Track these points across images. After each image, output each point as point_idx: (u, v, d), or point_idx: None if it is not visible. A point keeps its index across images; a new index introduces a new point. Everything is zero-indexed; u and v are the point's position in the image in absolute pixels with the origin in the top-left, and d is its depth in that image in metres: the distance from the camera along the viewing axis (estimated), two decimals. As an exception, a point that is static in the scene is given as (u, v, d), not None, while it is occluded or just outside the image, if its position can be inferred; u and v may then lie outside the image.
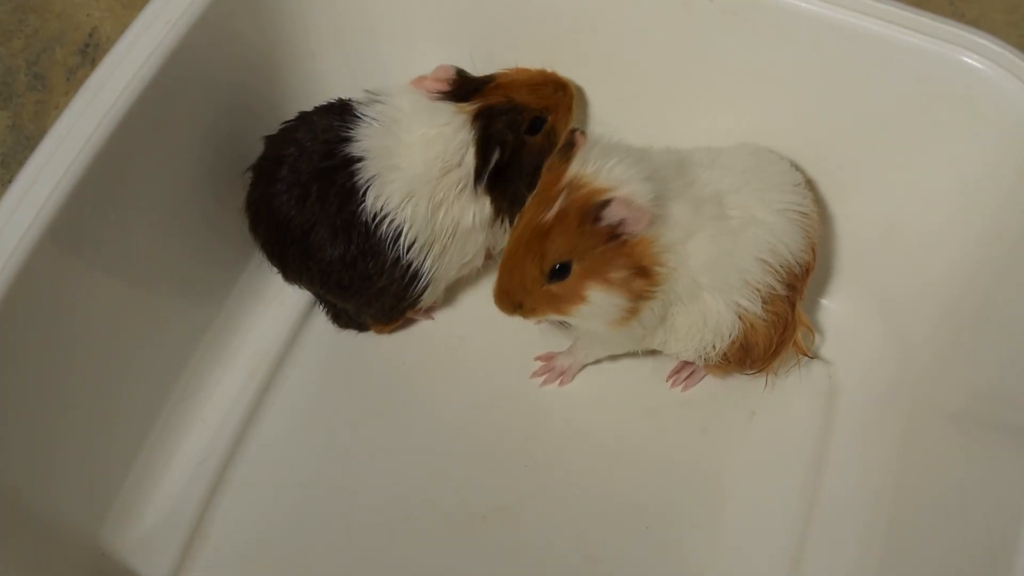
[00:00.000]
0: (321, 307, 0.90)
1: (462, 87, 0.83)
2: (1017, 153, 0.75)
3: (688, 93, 0.86)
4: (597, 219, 0.70)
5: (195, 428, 0.85)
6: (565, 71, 0.87)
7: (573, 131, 0.75)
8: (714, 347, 0.80)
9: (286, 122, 0.82)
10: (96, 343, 0.75)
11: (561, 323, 0.79)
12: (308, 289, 0.87)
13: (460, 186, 0.81)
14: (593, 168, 0.71)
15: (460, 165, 0.81)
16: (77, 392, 0.75)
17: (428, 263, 0.82)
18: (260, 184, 0.81)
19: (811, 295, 0.92)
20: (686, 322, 0.79)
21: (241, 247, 0.87)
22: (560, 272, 0.73)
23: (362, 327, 0.91)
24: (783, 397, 0.88)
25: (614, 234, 0.71)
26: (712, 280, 0.76)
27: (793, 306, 0.81)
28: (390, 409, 0.87)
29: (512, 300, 0.76)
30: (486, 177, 0.81)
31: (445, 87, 0.82)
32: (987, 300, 0.79)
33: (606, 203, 0.70)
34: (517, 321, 0.84)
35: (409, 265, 0.82)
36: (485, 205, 0.83)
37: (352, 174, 0.79)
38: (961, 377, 0.80)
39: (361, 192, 0.79)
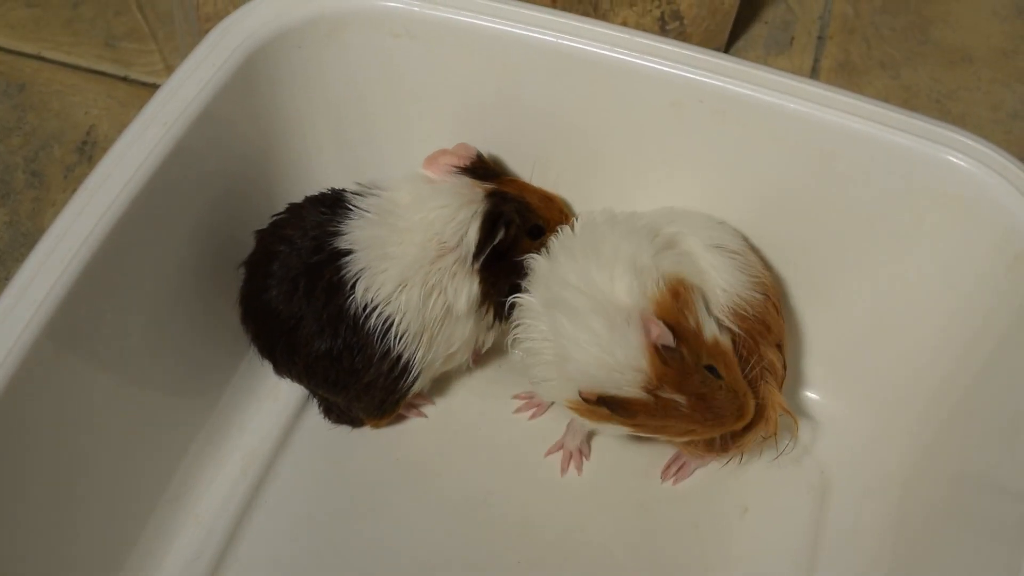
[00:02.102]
0: (314, 401, 0.90)
1: (479, 169, 0.84)
2: (1003, 250, 0.76)
3: (675, 190, 0.87)
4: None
5: (188, 525, 0.84)
6: (558, 168, 0.89)
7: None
8: None
9: (276, 215, 0.83)
10: (91, 442, 0.75)
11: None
12: (298, 383, 0.87)
13: (455, 268, 0.81)
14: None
15: (459, 245, 0.81)
16: (72, 491, 0.74)
17: (419, 354, 0.82)
18: (252, 279, 0.82)
19: (801, 389, 0.92)
20: None
21: (236, 344, 0.87)
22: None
23: (356, 422, 0.90)
24: (775, 493, 0.88)
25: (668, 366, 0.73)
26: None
27: (751, 361, 0.80)
28: (383, 506, 0.87)
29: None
30: (485, 253, 0.81)
31: (466, 163, 0.84)
32: (973, 392, 0.79)
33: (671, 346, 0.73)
34: (508, 418, 0.84)
35: (399, 357, 0.81)
36: (474, 285, 0.82)
37: (340, 268, 0.79)
38: (950, 470, 0.80)
39: (349, 285, 0.79)
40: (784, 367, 0.83)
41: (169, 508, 0.84)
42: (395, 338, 0.80)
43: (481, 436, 0.90)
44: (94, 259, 0.70)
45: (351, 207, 0.82)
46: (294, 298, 0.79)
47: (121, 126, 0.93)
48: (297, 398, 0.91)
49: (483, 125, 0.90)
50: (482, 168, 0.86)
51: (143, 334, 0.79)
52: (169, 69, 1.17)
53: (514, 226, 0.82)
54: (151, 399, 0.81)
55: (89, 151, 1.10)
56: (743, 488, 0.88)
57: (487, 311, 0.84)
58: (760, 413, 0.81)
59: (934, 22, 1.27)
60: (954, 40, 1.25)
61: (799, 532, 0.86)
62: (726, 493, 0.88)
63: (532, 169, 0.89)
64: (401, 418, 0.91)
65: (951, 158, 0.76)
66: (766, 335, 0.81)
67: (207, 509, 0.85)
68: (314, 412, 0.91)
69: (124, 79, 1.18)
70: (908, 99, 1.19)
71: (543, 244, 0.83)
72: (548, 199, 0.88)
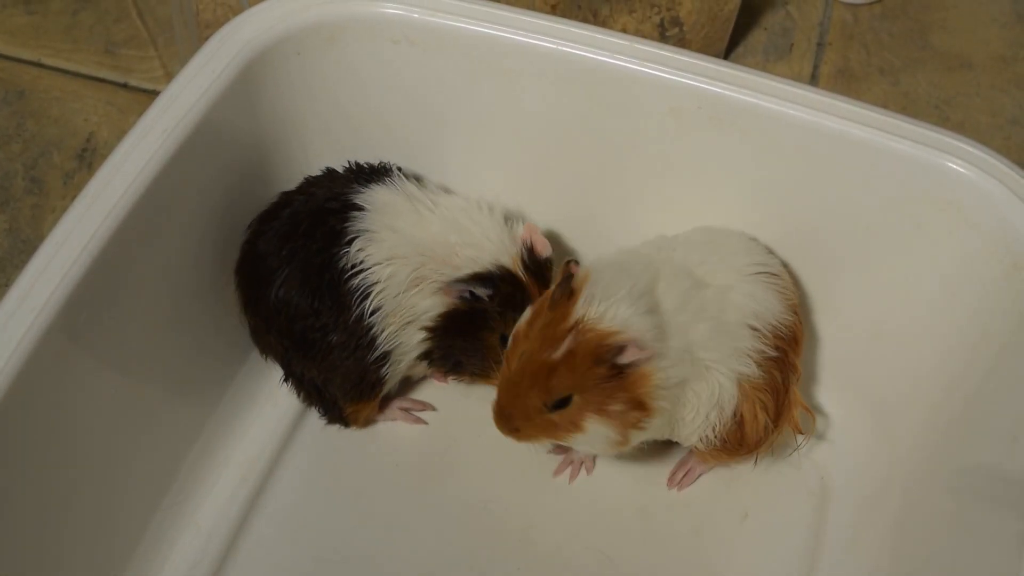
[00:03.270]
0: (313, 410, 0.90)
1: (535, 264, 0.84)
2: (1002, 256, 0.76)
3: (676, 198, 0.87)
4: (612, 364, 0.72)
5: (188, 532, 0.84)
6: (554, 172, 0.89)
7: (569, 263, 0.77)
8: (715, 427, 0.80)
9: (311, 176, 0.85)
10: (90, 448, 0.75)
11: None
12: (274, 353, 0.86)
13: (440, 279, 0.81)
14: (598, 311, 0.73)
15: (456, 268, 0.81)
16: (71, 497, 0.74)
17: (387, 332, 0.82)
18: (259, 223, 0.83)
19: (802, 395, 0.92)
20: (692, 405, 0.79)
21: (235, 350, 0.88)
22: (562, 403, 0.74)
23: (331, 408, 0.88)
24: (775, 498, 0.88)
25: (616, 372, 0.73)
26: (713, 353, 0.77)
27: (786, 376, 0.81)
28: (383, 513, 0.87)
29: (511, 424, 0.77)
30: (457, 289, 0.81)
31: (539, 253, 0.84)
32: (974, 400, 0.79)
33: (620, 349, 0.72)
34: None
35: (370, 329, 0.81)
36: (435, 308, 0.82)
37: (345, 219, 0.80)
38: (950, 475, 0.80)
39: (346, 239, 0.79)
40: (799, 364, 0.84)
41: (168, 515, 0.84)
42: (368, 309, 0.80)
43: (481, 443, 0.90)
44: (94, 266, 0.70)
45: (388, 178, 0.83)
46: (290, 239, 0.80)
47: (121, 133, 0.93)
48: (297, 405, 0.91)
49: (482, 131, 0.90)
50: (540, 267, 0.85)
51: (142, 340, 0.79)
52: (169, 76, 1.17)
53: (497, 308, 0.82)
54: (150, 405, 0.81)
55: (89, 158, 1.10)
56: (743, 494, 0.88)
57: (425, 341, 0.84)
58: (786, 414, 0.82)
59: (933, 28, 1.27)
60: (953, 46, 1.26)
61: (799, 538, 0.86)
62: (726, 499, 0.88)
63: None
64: (399, 426, 0.91)
65: (950, 164, 0.77)
66: (795, 346, 0.82)
67: (207, 515, 0.85)
68: (314, 419, 0.91)
69: (124, 86, 1.18)
70: (907, 105, 1.19)
71: (498, 359, 0.82)
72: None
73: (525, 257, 0.83)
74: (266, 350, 0.87)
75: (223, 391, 0.90)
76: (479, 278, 0.81)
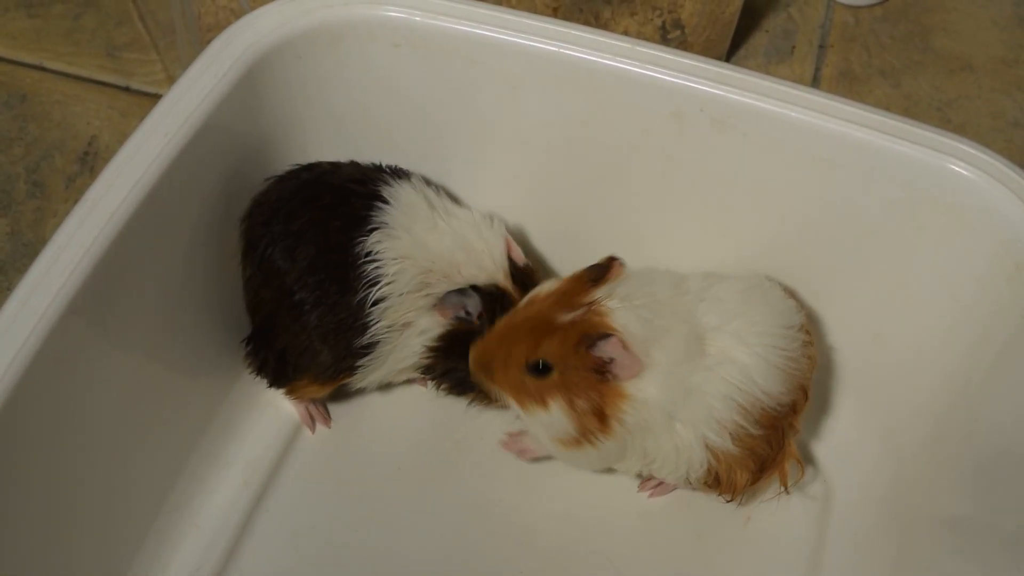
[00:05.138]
0: (247, 343, 0.87)
1: (521, 273, 0.86)
2: (1003, 258, 0.76)
3: (678, 201, 0.87)
4: (592, 346, 0.73)
5: (190, 535, 0.84)
6: (556, 176, 0.89)
7: (613, 258, 0.78)
8: (688, 477, 0.81)
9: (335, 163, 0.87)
10: (92, 452, 0.75)
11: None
12: (258, 310, 0.85)
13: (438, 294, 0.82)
14: (615, 304, 0.74)
15: (461, 279, 0.82)
16: (74, 501, 0.74)
17: (377, 327, 0.82)
18: (283, 180, 0.84)
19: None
20: (659, 451, 0.79)
21: (237, 353, 0.87)
22: (541, 371, 0.75)
23: (281, 375, 0.87)
24: (779, 504, 0.87)
25: (601, 369, 0.74)
26: (682, 412, 0.77)
27: (775, 442, 0.80)
28: (385, 515, 0.86)
29: (487, 363, 0.78)
30: (456, 303, 0.82)
31: (518, 262, 0.86)
32: (977, 406, 0.79)
33: (606, 336, 0.72)
34: (510, 427, 0.84)
35: (368, 316, 0.81)
36: (436, 329, 0.84)
37: (371, 207, 0.81)
38: (954, 483, 0.80)
39: (368, 227, 0.81)
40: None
41: (170, 518, 0.84)
42: (372, 298, 0.80)
43: (483, 445, 0.90)
44: (96, 270, 0.70)
45: (413, 180, 0.85)
46: (312, 206, 0.81)
47: (123, 136, 0.93)
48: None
49: (484, 135, 0.90)
50: (523, 277, 0.86)
51: (144, 344, 0.79)
52: (171, 79, 1.17)
53: (485, 320, 0.82)
54: (152, 409, 0.81)
55: (91, 161, 1.10)
56: (746, 498, 0.87)
57: (425, 358, 0.85)
58: (774, 468, 0.82)
59: (934, 31, 1.27)
60: (954, 49, 1.26)
61: (801, 542, 0.86)
62: (729, 503, 0.87)
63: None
64: (401, 428, 0.91)
65: (952, 166, 0.77)
66: (801, 404, 0.81)
67: (209, 519, 0.85)
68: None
69: (126, 89, 1.18)
70: (909, 107, 1.19)
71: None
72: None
73: (512, 271, 0.85)
74: (252, 303, 0.86)
75: (225, 394, 0.90)
76: (469, 291, 0.82)
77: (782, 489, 0.84)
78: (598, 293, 0.75)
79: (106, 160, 0.75)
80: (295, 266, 0.81)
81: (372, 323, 0.81)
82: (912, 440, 0.85)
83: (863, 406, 0.90)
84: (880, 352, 0.87)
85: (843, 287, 0.87)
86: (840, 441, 0.91)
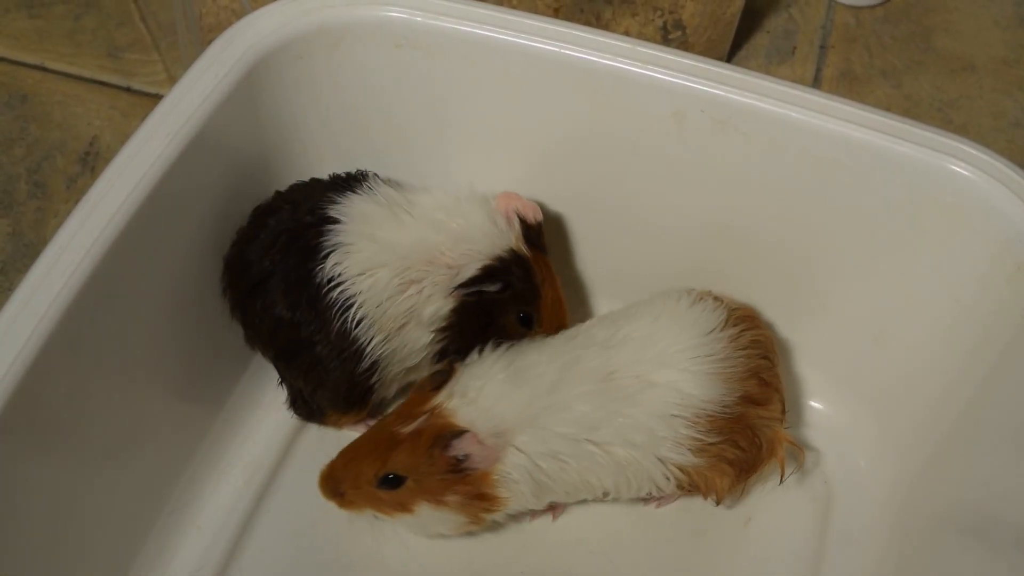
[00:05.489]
0: (280, 386, 0.89)
1: (531, 233, 0.85)
2: (1004, 258, 0.76)
3: (679, 201, 0.87)
4: (446, 447, 0.74)
5: (190, 536, 0.84)
6: (557, 176, 0.89)
7: (452, 361, 0.80)
8: (657, 490, 0.81)
9: (297, 182, 0.86)
10: (93, 452, 0.75)
11: None
12: (265, 356, 0.87)
13: (438, 279, 0.81)
14: (454, 404, 0.76)
15: (453, 267, 0.81)
16: (74, 502, 0.74)
17: (375, 341, 0.81)
18: (247, 229, 0.83)
19: (804, 398, 0.92)
20: (602, 479, 0.80)
21: (237, 355, 0.88)
22: (392, 482, 0.77)
23: (319, 416, 0.89)
24: (779, 502, 0.88)
25: (457, 467, 0.75)
26: (606, 438, 0.77)
27: (746, 441, 0.80)
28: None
29: (336, 487, 0.80)
30: (469, 290, 0.81)
31: (528, 220, 0.84)
32: (977, 403, 0.79)
33: (459, 434, 0.74)
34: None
35: (355, 341, 0.81)
36: (444, 308, 0.82)
37: (321, 233, 0.80)
38: (953, 479, 0.80)
39: (322, 254, 0.79)
40: (783, 403, 0.83)
41: (172, 519, 0.84)
42: (353, 321, 0.80)
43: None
44: (97, 270, 0.70)
45: (366, 186, 0.83)
46: (270, 252, 0.80)
47: (124, 136, 0.93)
48: (300, 408, 0.91)
49: (485, 135, 0.90)
50: (535, 235, 0.85)
51: (146, 344, 0.79)
52: (172, 79, 1.17)
53: (509, 294, 0.82)
54: (154, 410, 0.81)
55: (92, 162, 1.10)
56: (747, 498, 0.88)
57: (439, 342, 0.84)
58: (770, 453, 0.82)
59: (935, 31, 1.27)
60: (955, 49, 1.25)
61: (803, 541, 0.86)
62: (729, 502, 0.87)
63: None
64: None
65: (953, 167, 0.76)
66: (762, 394, 0.81)
67: (210, 519, 0.85)
68: (315, 424, 0.91)
69: (127, 89, 1.18)
70: (910, 108, 1.19)
71: (523, 336, 0.83)
72: (558, 304, 0.87)
73: (523, 231, 0.84)
74: (262, 352, 0.87)
75: (227, 395, 0.90)
76: (485, 275, 0.81)
77: (786, 477, 0.85)
78: (437, 399, 0.77)
79: (107, 160, 0.75)
80: (270, 315, 0.81)
81: (365, 344, 0.81)
82: (913, 440, 0.85)
83: (864, 407, 0.90)
84: (881, 353, 0.87)
85: (844, 287, 0.87)
86: (841, 441, 0.90)
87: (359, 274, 0.79)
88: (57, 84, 1.18)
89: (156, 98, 1.15)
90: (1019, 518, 0.69)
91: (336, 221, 0.80)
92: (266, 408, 0.91)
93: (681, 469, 0.79)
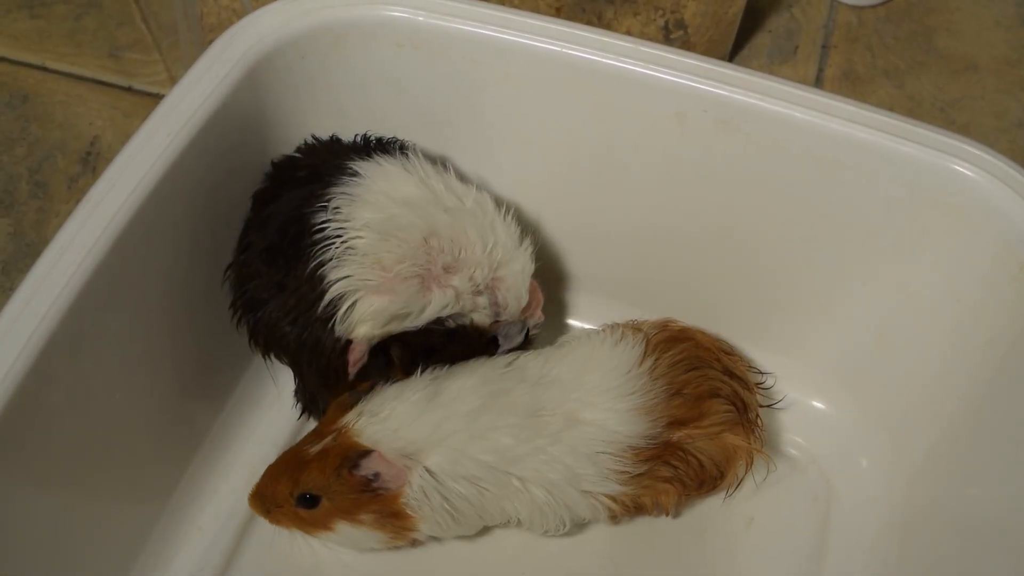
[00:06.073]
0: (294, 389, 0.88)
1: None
2: (1007, 259, 0.76)
3: (680, 202, 0.87)
4: (355, 467, 0.75)
5: (191, 536, 0.84)
6: (559, 176, 0.89)
7: (373, 384, 0.80)
8: (581, 520, 0.83)
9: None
10: (94, 452, 0.75)
11: None
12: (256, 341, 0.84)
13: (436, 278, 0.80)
14: (363, 422, 0.76)
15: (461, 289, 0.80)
16: (75, 502, 0.74)
17: (334, 280, 0.77)
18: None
19: (806, 398, 0.92)
20: (520, 511, 0.80)
21: (237, 355, 0.87)
22: (309, 501, 0.77)
23: (312, 405, 0.88)
24: (781, 503, 0.88)
25: (368, 487, 0.76)
26: (526, 474, 0.78)
27: (678, 460, 0.80)
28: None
29: (263, 505, 0.80)
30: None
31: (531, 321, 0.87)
32: (980, 403, 0.79)
33: (366, 453, 0.75)
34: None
35: (322, 279, 0.77)
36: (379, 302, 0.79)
37: (335, 183, 0.80)
38: (955, 480, 0.80)
39: (327, 199, 0.78)
40: (755, 406, 0.84)
41: (172, 519, 0.84)
42: (326, 279, 0.77)
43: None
44: (98, 269, 0.70)
45: (405, 152, 0.84)
46: (286, 184, 0.81)
47: (125, 136, 0.93)
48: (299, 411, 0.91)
49: (486, 135, 0.90)
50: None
51: (147, 344, 0.79)
52: (173, 79, 1.17)
53: (453, 333, 0.81)
54: (155, 409, 0.81)
55: (93, 162, 1.10)
56: (748, 499, 0.88)
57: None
58: (728, 461, 0.83)
59: (937, 31, 1.27)
60: (958, 49, 1.25)
61: (804, 542, 0.86)
62: (731, 504, 0.87)
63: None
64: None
65: (956, 167, 0.76)
66: (689, 413, 0.81)
67: (211, 520, 0.85)
68: (318, 423, 0.90)
69: (128, 89, 1.18)
70: (912, 108, 1.19)
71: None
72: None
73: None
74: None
75: (228, 394, 0.90)
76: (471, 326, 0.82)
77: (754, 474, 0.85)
78: (346, 418, 0.77)
79: (108, 160, 0.75)
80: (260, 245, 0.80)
81: (329, 284, 0.77)
82: (915, 441, 0.85)
83: (866, 407, 0.90)
84: (883, 353, 0.87)
85: (846, 287, 0.87)
86: (842, 442, 0.90)
87: (349, 217, 0.78)
88: (58, 84, 1.18)
89: (157, 98, 1.15)
90: (1020, 518, 0.69)
91: (354, 174, 0.80)
92: (266, 408, 0.91)
93: (611, 498, 0.80)
